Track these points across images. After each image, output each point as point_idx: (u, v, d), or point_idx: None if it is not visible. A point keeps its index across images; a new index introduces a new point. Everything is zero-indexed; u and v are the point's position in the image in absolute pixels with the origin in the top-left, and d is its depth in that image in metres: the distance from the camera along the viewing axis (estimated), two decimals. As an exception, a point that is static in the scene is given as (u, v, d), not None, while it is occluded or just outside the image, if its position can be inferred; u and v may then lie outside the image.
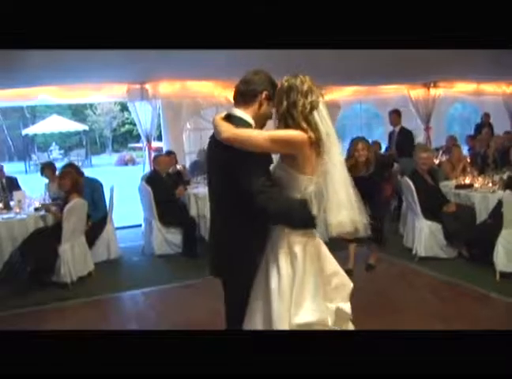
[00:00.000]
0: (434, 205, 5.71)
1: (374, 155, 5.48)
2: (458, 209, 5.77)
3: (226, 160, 2.33)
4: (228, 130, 2.28)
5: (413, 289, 4.99)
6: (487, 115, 10.84)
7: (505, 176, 6.14)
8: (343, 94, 10.03)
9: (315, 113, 2.33)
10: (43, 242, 5.41)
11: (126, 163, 23.56)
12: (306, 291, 2.35)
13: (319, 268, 2.43)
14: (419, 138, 10.25)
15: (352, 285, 2.59)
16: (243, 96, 2.45)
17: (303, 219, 2.35)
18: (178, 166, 7.76)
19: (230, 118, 2.40)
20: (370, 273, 5.48)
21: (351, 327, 2.63)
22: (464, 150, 8.87)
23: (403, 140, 7.88)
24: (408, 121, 9.87)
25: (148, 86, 7.85)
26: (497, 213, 5.13)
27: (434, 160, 7.54)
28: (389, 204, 7.49)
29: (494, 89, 11.32)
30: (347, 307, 2.55)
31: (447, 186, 6.33)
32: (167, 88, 8.03)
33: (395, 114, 8.06)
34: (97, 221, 6.24)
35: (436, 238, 5.69)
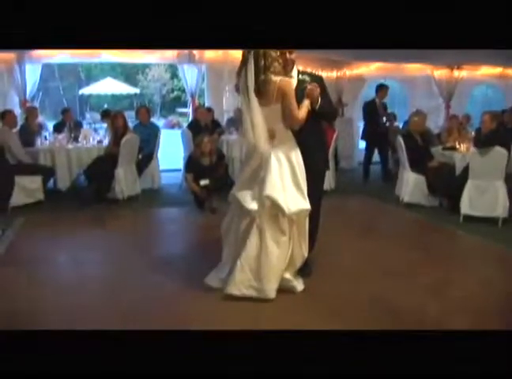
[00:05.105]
0: (420, 161, 6.81)
1: None
2: (440, 165, 6.85)
3: None
4: None
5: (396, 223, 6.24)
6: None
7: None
8: (369, 69, 10.93)
9: None
10: (103, 166, 7.01)
11: (172, 127, 24.43)
12: None
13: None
14: (441, 115, 11.26)
15: None
16: None
17: None
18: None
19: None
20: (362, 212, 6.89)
21: None
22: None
23: None
24: (431, 98, 11.12)
25: (195, 51, 9.20)
26: (467, 167, 6.14)
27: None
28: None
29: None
30: None
31: (438, 150, 7.33)
32: (211, 54, 9.35)
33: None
34: (146, 155, 7.86)
35: (420, 188, 6.81)
